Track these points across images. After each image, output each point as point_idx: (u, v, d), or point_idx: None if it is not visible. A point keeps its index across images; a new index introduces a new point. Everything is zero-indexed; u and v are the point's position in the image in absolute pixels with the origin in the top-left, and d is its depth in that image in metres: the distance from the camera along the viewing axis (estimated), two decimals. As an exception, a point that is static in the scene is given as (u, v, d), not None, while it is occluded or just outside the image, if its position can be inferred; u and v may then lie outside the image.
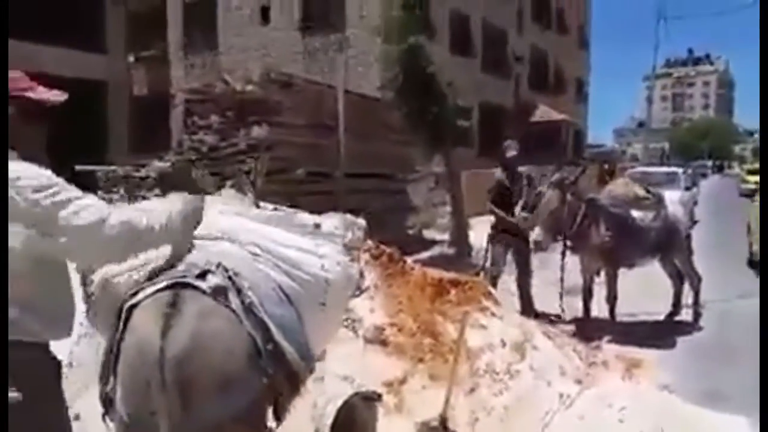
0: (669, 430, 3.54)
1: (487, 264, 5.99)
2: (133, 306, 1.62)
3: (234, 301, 1.67)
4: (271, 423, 1.97)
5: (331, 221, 2.24)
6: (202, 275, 1.67)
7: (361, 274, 2.54)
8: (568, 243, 5.40)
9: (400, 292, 4.49)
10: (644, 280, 6.52)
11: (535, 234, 5.16)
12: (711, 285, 6.56)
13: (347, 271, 2.19)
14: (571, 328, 5.62)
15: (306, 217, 2.20)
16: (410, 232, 9.78)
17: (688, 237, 5.93)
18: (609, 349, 5.28)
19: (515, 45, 23.24)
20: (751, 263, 8.75)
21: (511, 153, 5.97)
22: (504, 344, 4.11)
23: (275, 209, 2.29)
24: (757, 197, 9.51)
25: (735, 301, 6.61)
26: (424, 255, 8.27)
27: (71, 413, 1.96)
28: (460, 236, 8.76)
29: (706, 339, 5.68)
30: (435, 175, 11.15)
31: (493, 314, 4.26)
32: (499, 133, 20.96)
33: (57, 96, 1.78)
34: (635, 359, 5.02)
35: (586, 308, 5.68)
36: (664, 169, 17.48)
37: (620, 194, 5.43)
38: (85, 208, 1.57)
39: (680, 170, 15.91)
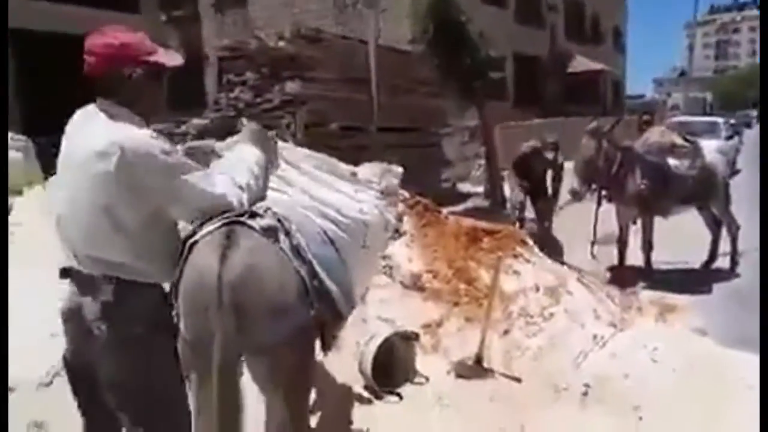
0: (700, 370, 3.62)
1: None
2: (194, 243, 1.77)
3: (283, 240, 1.79)
4: (318, 354, 2.14)
5: (366, 170, 2.35)
6: (253, 216, 1.81)
7: (400, 218, 2.66)
8: (603, 192, 5.40)
9: (435, 241, 4.61)
10: (681, 228, 6.48)
11: (572, 183, 5.17)
12: (750, 234, 6.48)
13: (384, 214, 2.32)
14: (607, 275, 5.68)
15: (343, 166, 2.31)
16: (444, 185, 9.83)
17: (726, 185, 5.85)
18: (644, 295, 5.34)
19: (549, -7, 22.47)
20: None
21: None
22: (538, 289, 4.22)
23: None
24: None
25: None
26: (459, 207, 8.34)
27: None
28: (494, 189, 8.78)
29: (742, 286, 5.66)
30: (469, 129, 11.09)
31: (527, 260, 4.35)
32: (534, 84, 20.56)
33: (175, 60, 1.88)
34: (669, 304, 5.08)
35: (621, 256, 5.72)
36: (704, 118, 16.92)
37: (656, 142, 5.37)
38: (202, 175, 1.76)
39: (721, 119, 15.39)
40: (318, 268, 1.82)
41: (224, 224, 1.75)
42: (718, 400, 3.31)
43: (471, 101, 8.36)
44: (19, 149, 5.43)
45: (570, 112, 18.05)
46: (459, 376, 3.69)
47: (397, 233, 2.67)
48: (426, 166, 8.11)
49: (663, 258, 6.04)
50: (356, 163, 2.68)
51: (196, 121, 7.26)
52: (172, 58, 1.86)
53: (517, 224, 5.90)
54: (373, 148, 6.74)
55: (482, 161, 10.21)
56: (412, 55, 8.06)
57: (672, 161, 5.26)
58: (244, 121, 2.37)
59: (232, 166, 1.92)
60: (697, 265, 6.22)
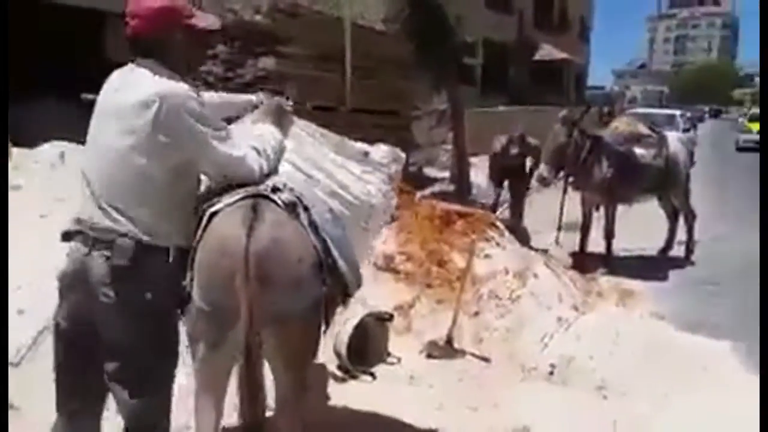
0: (659, 352, 3.82)
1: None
2: (215, 213, 1.79)
3: (303, 216, 1.83)
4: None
5: (378, 151, 2.37)
6: (275, 191, 1.84)
7: (397, 206, 2.71)
8: (570, 179, 5.56)
9: (409, 223, 4.67)
10: (639, 216, 6.73)
11: (541, 169, 5.30)
12: (704, 225, 6.79)
13: (388, 199, 2.35)
14: (568, 261, 5.86)
15: (357, 145, 2.33)
16: (411, 168, 9.86)
17: (687, 176, 6.09)
18: (603, 280, 5.55)
19: (519, -21, 22.57)
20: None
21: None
22: (507, 272, 4.34)
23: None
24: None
25: (724, 241, 6.86)
26: (426, 192, 8.41)
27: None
28: (461, 174, 8.88)
29: (696, 275, 5.93)
30: (436, 113, 11.14)
31: (497, 244, 4.46)
32: (502, 71, 20.71)
33: (214, 24, 1.93)
34: (628, 290, 5.31)
35: (583, 243, 5.91)
36: (663, 110, 17.47)
37: (624, 132, 5.54)
38: (230, 138, 1.81)
39: (678, 112, 15.94)
40: (330, 245, 1.86)
41: (248, 197, 1.79)
42: (674, 381, 3.51)
43: (444, 85, 8.41)
44: None
45: (535, 100, 18.31)
46: (430, 356, 3.79)
47: (392, 219, 2.71)
48: (399, 149, 8.11)
49: (622, 245, 6.27)
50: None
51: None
52: (209, 22, 1.91)
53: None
54: (346, 129, 6.69)
55: (449, 146, 10.29)
56: (386, 36, 8.02)
57: (638, 150, 5.45)
58: (261, 95, 2.37)
59: (255, 137, 1.96)
60: (653, 253, 6.48)
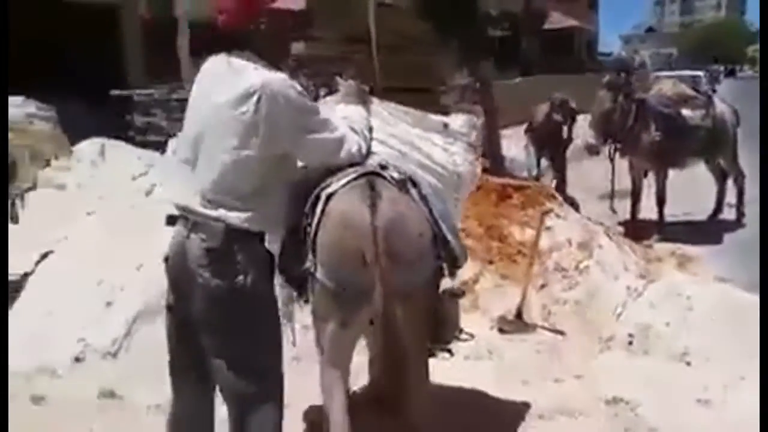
0: (734, 315, 3.74)
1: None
2: (331, 194, 1.79)
3: (413, 191, 1.85)
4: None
5: (457, 121, 2.34)
6: (384, 168, 1.86)
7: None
8: (618, 145, 5.45)
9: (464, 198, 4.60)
10: (681, 181, 6.62)
11: (588, 136, 5.20)
12: (750, 185, 6.65)
13: (473, 167, 2.33)
14: (619, 229, 5.78)
15: (435, 117, 2.31)
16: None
17: (735, 136, 5.96)
18: (659, 247, 5.47)
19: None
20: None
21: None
22: (570, 243, 4.28)
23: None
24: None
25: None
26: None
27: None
28: (494, 147, 8.76)
29: (748, 235, 5.82)
30: (459, 88, 10.98)
31: (557, 215, 4.39)
32: (515, 42, 20.41)
33: (297, 3, 1.92)
34: (686, 255, 5.23)
35: (634, 210, 5.82)
36: (686, 72, 17.15)
37: (670, 94, 5.42)
38: (329, 122, 1.81)
39: (701, 73, 15.64)
40: (438, 218, 1.87)
41: (362, 175, 1.79)
42: (755, 343, 3.45)
43: (469, 60, 8.26)
44: (47, 119, 5.18)
45: (547, 70, 18.06)
46: (501, 331, 3.76)
47: (477, 187, 2.72)
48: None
49: (668, 210, 6.16)
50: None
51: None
52: (293, 2, 1.90)
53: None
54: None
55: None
56: (409, 13, 7.86)
57: (686, 112, 5.33)
58: (339, 78, 2.33)
59: (343, 119, 1.95)
60: (701, 217, 6.38)
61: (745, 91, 28.27)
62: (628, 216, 5.93)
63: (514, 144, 8.59)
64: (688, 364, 3.35)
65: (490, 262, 4.25)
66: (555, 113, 6.11)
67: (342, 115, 2.01)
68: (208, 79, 1.82)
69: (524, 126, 7.27)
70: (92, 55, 8.90)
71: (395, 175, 1.84)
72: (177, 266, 1.81)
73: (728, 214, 6.34)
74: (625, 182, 6.04)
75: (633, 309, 3.82)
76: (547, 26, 23.20)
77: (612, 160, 5.50)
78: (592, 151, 5.38)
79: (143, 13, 15.14)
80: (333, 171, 1.85)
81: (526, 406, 2.86)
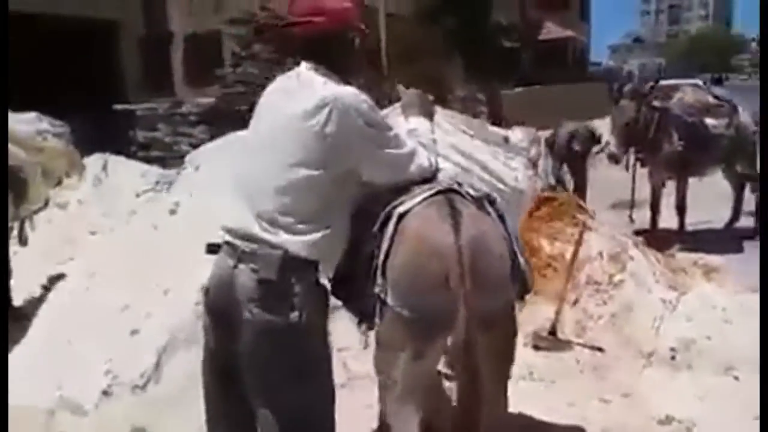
0: (771, 325, 3.63)
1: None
2: (404, 213, 1.65)
3: (491, 209, 1.73)
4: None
5: (516, 134, 2.24)
6: (459, 185, 1.74)
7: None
8: (639, 155, 5.37)
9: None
10: (698, 188, 6.54)
11: (611, 145, 5.12)
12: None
13: (533, 182, 2.23)
14: (638, 239, 5.67)
15: (496, 130, 2.20)
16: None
17: (754, 144, 5.89)
18: (681, 257, 5.36)
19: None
20: None
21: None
22: (602, 256, 4.15)
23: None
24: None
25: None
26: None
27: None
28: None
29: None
30: (461, 98, 10.97)
31: (588, 228, 4.26)
32: (516, 52, 20.46)
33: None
34: (711, 265, 5.09)
35: (654, 219, 5.72)
36: (686, 80, 17.20)
37: (693, 102, 5.35)
38: (399, 137, 1.71)
39: (700, 81, 15.68)
40: (512, 239, 1.76)
41: (438, 192, 1.66)
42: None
43: (476, 71, 8.22)
44: (60, 135, 5.01)
45: (542, 80, 18.13)
46: (536, 348, 3.62)
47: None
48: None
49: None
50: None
51: (199, 99, 6.89)
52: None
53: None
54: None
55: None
56: (416, 23, 7.83)
57: (710, 121, 5.25)
58: (401, 87, 2.21)
59: (410, 132, 1.85)
60: (718, 225, 6.30)
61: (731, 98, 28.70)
62: (645, 226, 5.82)
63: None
64: (736, 378, 3.23)
65: (520, 277, 4.11)
66: (576, 144, 6.07)
67: (410, 126, 1.89)
68: (277, 94, 1.72)
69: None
70: (91, 69, 8.78)
71: (472, 192, 1.72)
72: (221, 300, 1.64)
73: (744, 221, 6.25)
74: (641, 191, 5.95)
75: (670, 322, 3.70)
76: (542, 37, 23.32)
77: (633, 169, 5.41)
78: (612, 160, 5.29)
79: (140, 28, 15.06)
80: (402, 188, 1.71)
81: (579, 430, 2.72)
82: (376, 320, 1.70)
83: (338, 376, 2.15)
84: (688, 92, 5.64)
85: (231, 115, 5.93)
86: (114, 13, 9.98)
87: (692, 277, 4.82)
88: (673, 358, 3.42)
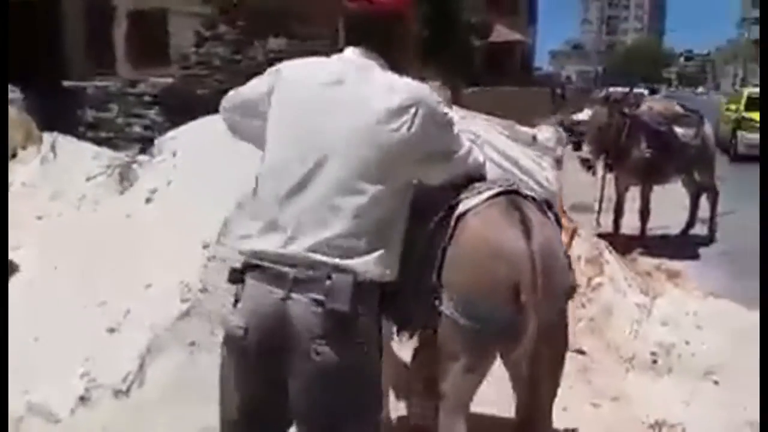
0: (740, 331, 3.75)
1: None
2: (461, 215, 1.55)
3: (550, 213, 1.67)
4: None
5: (543, 133, 2.16)
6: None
7: None
8: (609, 160, 5.47)
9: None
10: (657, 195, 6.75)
11: (584, 151, 5.19)
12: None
13: (560, 183, 2.15)
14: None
15: (524, 129, 2.11)
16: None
17: (713, 155, 6.13)
18: (643, 261, 5.51)
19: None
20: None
21: None
22: (580, 259, 4.18)
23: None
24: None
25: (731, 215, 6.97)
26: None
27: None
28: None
29: (726, 249, 5.98)
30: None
31: (577, 234, 4.28)
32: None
33: None
34: (673, 270, 5.27)
35: (617, 224, 5.86)
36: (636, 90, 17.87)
37: (662, 111, 5.50)
38: (463, 140, 1.57)
39: (646, 91, 16.37)
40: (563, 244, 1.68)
41: (500, 194, 1.56)
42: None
43: (447, 68, 8.17)
44: (12, 102, 4.52)
45: (490, 82, 18.42)
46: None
47: None
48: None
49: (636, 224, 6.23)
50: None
51: (155, 80, 6.50)
52: None
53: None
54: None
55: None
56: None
57: (679, 130, 5.42)
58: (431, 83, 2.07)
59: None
60: (675, 231, 6.53)
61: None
62: (607, 230, 5.95)
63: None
64: (716, 383, 3.31)
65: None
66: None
67: None
68: (320, 79, 1.44)
69: None
70: (35, 43, 8.14)
71: (533, 194, 1.65)
72: (269, 341, 1.34)
73: (699, 228, 6.52)
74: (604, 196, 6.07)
75: (647, 327, 3.76)
76: (492, 39, 23.63)
77: (603, 174, 5.52)
78: (585, 165, 5.37)
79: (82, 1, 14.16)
80: (456, 186, 1.59)
81: (580, 435, 2.69)
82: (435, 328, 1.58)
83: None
84: (656, 101, 5.80)
85: (190, 98, 5.59)
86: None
87: (658, 281, 4.97)
88: (654, 362, 3.48)
